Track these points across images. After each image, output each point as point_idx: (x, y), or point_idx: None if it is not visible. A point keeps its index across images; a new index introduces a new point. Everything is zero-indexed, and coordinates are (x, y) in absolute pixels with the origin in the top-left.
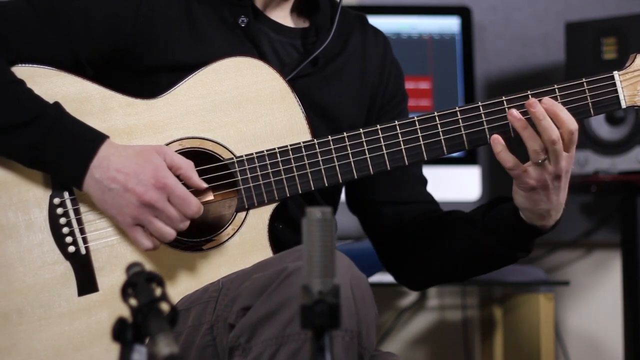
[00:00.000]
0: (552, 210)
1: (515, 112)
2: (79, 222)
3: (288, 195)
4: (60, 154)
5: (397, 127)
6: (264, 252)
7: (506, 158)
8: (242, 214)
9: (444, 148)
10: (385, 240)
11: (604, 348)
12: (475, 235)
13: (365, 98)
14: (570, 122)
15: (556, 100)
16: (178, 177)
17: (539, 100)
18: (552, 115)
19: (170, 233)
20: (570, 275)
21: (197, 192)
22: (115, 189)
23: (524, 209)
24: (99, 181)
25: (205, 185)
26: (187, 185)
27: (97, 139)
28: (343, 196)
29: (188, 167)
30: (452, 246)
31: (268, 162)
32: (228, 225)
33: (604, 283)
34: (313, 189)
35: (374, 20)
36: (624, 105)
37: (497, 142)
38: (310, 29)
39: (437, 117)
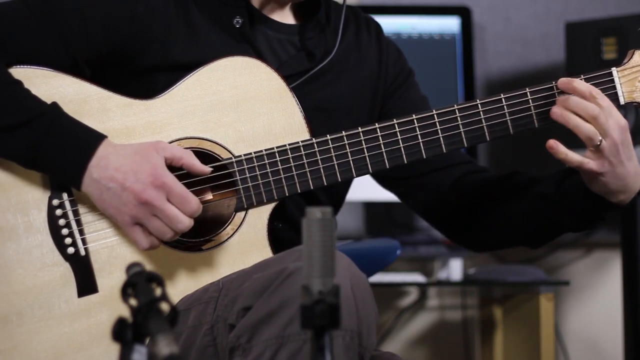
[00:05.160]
0: (627, 182)
1: (556, 109)
2: (78, 223)
3: (287, 194)
4: (59, 154)
5: (396, 125)
6: (264, 251)
7: (574, 159)
8: (241, 214)
9: (443, 146)
10: (435, 207)
11: (604, 348)
12: (549, 209)
13: (365, 89)
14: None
15: (555, 96)
16: (181, 167)
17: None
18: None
19: (169, 232)
20: (570, 275)
21: (196, 193)
22: (113, 188)
23: (598, 192)
24: (98, 181)
25: (209, 169)
26: (190, 174)
27: (95, 138)
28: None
29: (189, 156)
30: (522, 213)
31: (267, 161)
32: (227, 225)
33: (604, 283)
34: (312, 188)
35: None
36: (622, 101)
37: (558, 146)
38: (307, 24)
39: (435, 116)
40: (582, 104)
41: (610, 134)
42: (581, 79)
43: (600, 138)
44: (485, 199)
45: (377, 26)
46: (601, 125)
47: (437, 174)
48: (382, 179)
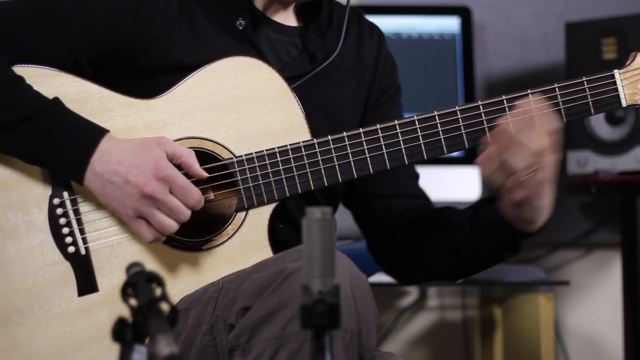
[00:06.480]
0: (539, 214)
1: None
2: (79, 222)
3: (288, 195)
4: (61, 148)
5: (397, 126)
6: (264, 252)
7: (497, 178)
8: (241, 214)
9: (444, 147)
10: (376, 233)
11: (604, 348)
12: (463, 237)
13: (363, 93)
14: (549, 123)
15: (557, 99)
16: (179, 166)
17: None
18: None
19: (172, 225)
20: (570, 275)
21: None
22: (116, 182)
23: (510, 218)
24: (100, 175)
25: (206, 174)
26: (188, 174)
27: (97, 133)
28: None
29: (189, 156)
30: (441, 246)
31: (268, 162)
32: (228, 225)
33: (604, 283)
34: (313, 188)
35: (374, 20)
36: (624, 104)
37: (488, 161)
38: (309, 26)
39: (437, 117)
40: (531, 136)
41: (546, 170)
42: (583, 81)
43: (536, 167)
44: (413, 234)
45: (380, 34)
46: (544, 160)
47: (390, 200)
48: (343, 195)
